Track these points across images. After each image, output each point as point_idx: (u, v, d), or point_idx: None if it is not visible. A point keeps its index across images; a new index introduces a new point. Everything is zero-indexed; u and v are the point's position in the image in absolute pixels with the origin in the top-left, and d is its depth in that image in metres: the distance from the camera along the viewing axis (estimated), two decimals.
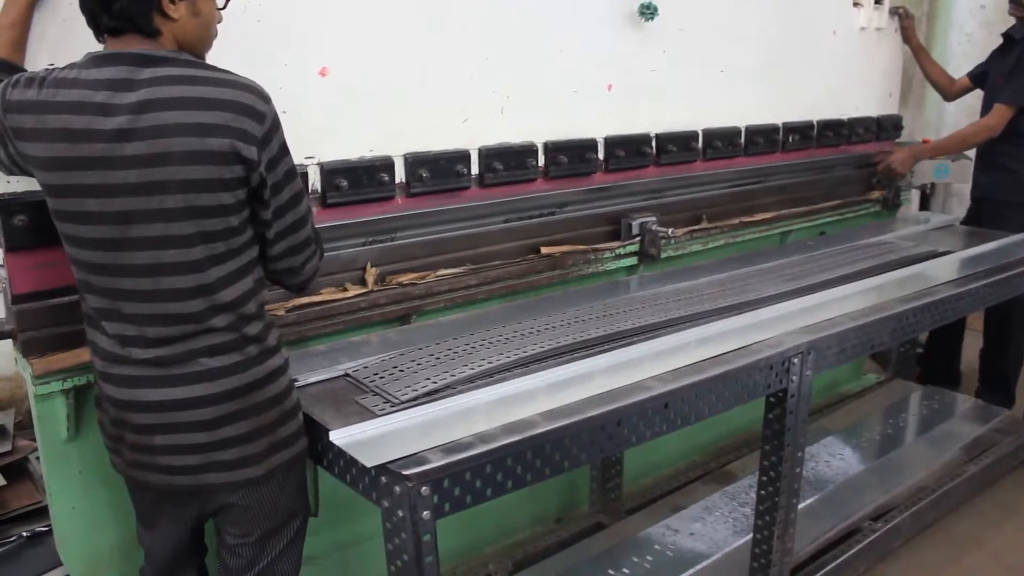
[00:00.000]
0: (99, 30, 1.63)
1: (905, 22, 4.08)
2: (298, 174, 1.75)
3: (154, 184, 1.54)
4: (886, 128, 4.15)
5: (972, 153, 4.18)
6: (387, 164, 2.41)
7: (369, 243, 2.44)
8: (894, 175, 4.06)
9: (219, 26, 1.76)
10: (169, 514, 1.85)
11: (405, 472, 1.61)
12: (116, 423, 1.74)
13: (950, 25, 5.76)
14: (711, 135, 3.30)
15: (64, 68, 1.61)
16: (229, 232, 1.63)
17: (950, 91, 4.33)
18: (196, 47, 1.69)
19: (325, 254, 2.29)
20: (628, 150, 3.00)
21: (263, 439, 1.73)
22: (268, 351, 1.74)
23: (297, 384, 2.01)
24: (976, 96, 4.20)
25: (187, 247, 1.59)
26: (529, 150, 2.71)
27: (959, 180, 4.38)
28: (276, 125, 1.65)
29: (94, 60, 1.59)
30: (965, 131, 4.00)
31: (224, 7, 1.77)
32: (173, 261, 1.59)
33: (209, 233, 1.60)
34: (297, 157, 2.20)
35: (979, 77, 4.16)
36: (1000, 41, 4.04)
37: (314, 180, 2.29)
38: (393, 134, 2.45)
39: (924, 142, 4.29)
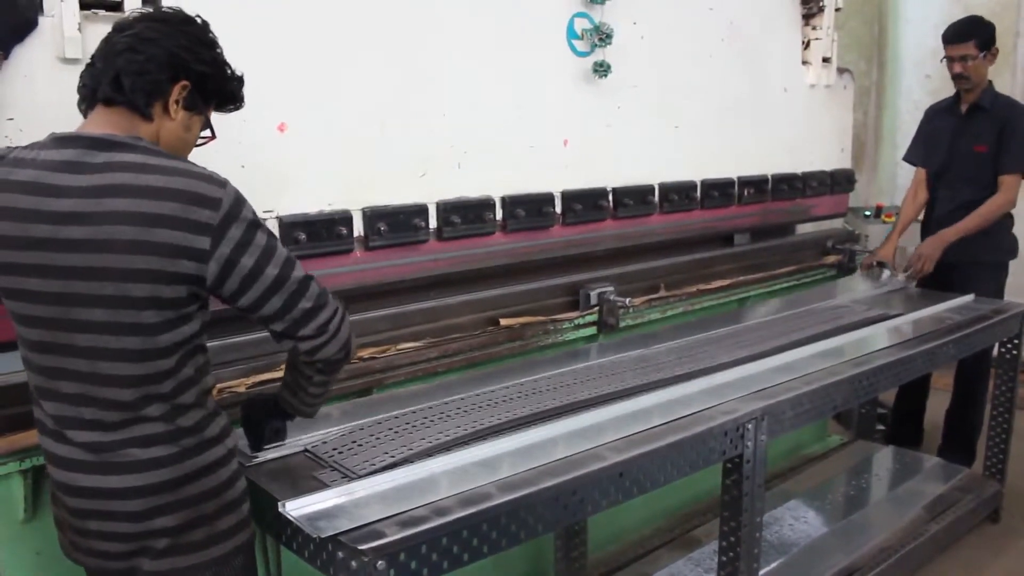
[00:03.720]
0: (92, 98, 1.62)
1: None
2: (274, 246, 1.65)
3: (96, 270, 1.52)
4: (839, 182, 4.27)
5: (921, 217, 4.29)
6: (345, 218, 2.46)
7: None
8: (926, 264, 3.95)
9: None
10: None
11: (361, 547, 1.62)
12: (58, 502, 1.73)
13: (898, 94, 5.98)
14: (667, 189, 3.38)
15: (26, 147, 1.60)
16: (166, 325, 1.58)
17: (921, 203, 4.28)
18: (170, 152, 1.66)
19: None
20: (585, 204, 3.07)
21: (198, 530, 1.69)
22: (207, 442, 1.69)
23: (256, 460, 2.03)
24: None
25: (125, 335, 1.56)
26: (487, 204, 2.78)
27: (913, 244, 4.49)
28: (236, 208, 1.58)
29: (54, 141, 1.58)
30: (984, 210, 3.91)
31: (203, 143, 1.78)
32: (112, 347, 1.57)
33: (147, 325, 1.57)
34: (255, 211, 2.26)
35: (921, 155, 4.24)
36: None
37: None
38: (351, 188, 2.49)
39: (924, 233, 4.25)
